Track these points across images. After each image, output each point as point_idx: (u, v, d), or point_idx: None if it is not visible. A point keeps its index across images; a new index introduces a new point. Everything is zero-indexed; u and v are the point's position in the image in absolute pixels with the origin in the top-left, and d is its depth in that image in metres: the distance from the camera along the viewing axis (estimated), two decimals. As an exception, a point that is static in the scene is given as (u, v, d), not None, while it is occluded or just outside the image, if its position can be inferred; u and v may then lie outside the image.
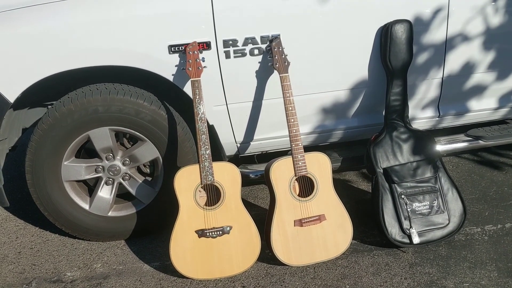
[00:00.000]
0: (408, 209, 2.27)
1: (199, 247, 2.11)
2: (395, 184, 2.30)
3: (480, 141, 2.66)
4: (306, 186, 2.24)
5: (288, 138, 2.21)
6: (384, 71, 2.39)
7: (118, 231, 2.47)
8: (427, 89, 2.52)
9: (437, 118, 2.62)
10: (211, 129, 2.36)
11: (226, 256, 2.13)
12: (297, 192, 2.25)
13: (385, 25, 2.32)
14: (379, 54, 2.37)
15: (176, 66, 2.21)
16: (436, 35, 2.40)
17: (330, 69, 2.36)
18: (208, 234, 2.11)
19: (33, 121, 2.69)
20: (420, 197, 2.30)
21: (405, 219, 2.26)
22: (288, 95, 2.20)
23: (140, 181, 2.43)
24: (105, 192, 2.42)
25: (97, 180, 2.42)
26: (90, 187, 2.51)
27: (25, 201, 2.95)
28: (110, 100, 2.22)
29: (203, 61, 2.19)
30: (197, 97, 2.15)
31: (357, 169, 3.04)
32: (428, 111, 2.60)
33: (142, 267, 2.29)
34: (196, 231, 2.11)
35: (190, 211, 2.12)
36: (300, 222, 2.16)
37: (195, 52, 2.15)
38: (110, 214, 2.43)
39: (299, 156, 2.18)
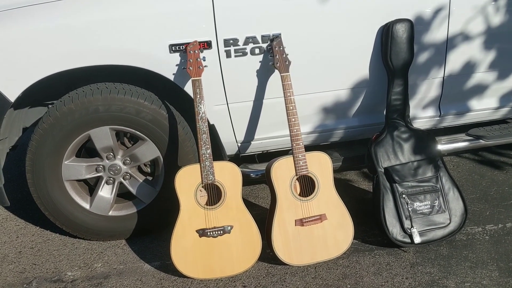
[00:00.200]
0: (409, 209, 2.27)
1: (200, 246, 2.11)
2: (396, 184, 2.30)
3: (481, 140, 2.66)
4: (307, 186, 2.24)
5: (289, 138, 2.21)
6: (385, 70, 2.39)
7: (119, 230, 2.46)
8: (428, 88, 2.52)
9: (438, 118, 2.62)
10: (212, 129, 2.36)
11: (227, 256, 2.12)
12: (298, 192, 2.25)
13: (386, 24, 2.31)
14: (380, 54, 2.37)
15: (176, 65, 2.21)
16: (437, 34, 2.39)
17: (331, 69, 2.36)
18: (209, 233, 2.11)
19: (33, 121, 2.69)
20: (421, 196, 2.30)
21: (406, 218, 2.26)
22: (289, 94, 2.19)
23: (141, 181, 2.42)
24: (105, 192, 2.41)
25: (98, 180, 2.42)
26: (91, 186, 2.50)
27: (26, 200, 2.95)
28: (110, 99, 2.22)
29: (204, 60, 2.18)
30: (198, 96, 2.15)
31: (358, 168, 3.03)
32: (429, 110, 2.59)
33: (143, 267, 2.29)
34: (197, 231, 2.11)
35: (191, 210, 2.12)
36: (301, 222, 2.16)
37: (196, 51, 2.15)
38: (110, 213, 2.43)
39: (300, 156, 2.18)
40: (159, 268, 2.26)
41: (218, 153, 2.44)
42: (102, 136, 2.29)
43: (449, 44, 2.42)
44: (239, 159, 2.58)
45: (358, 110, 2.49)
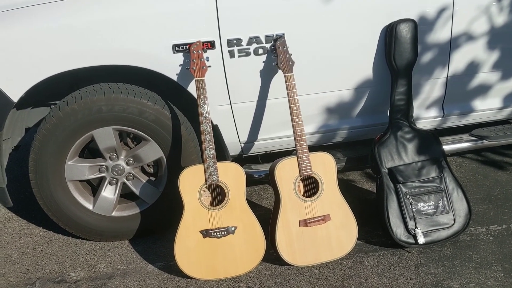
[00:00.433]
0: (413, 209, 2.26)
1: (203, 247, 2.11)
2: (400, 184, 2.29)
3: (484, 141, 2.65)
4: (310, 186, 2.23)
5: (293, 138, 2.20)
6: (389, 70, 2.38)
7: (122, 231, 2.46)
8: (432, 88, 2.51)
9: (441, 118, 2.61)
10: (215, 129, 2.35)
11: (231, 256, 2.12)
12: (302, 192, 2.25)
13: (390, 24, 2.31)
14: (383, 54, 2.36)
15: (180, 65, 2.20)
16: (440, 34, 2.39)
17: (335, 69, 2.35)
18: (212, 234, 2.11)
19: (36, 121, 2.69)
20: (425, 197, 2.29)
21: (410, 219, 2.25)
22: (292, 94, 2.19)
23: (144, 181, 2.42)
24: (108, 192, 2.41)
25: (101, 180, 2.42)
26: (94, 187, 2.50)
27: (28, 201, 2.94)
28: (113, 99, 2.22)
29: (207, 60, 2.18)
30: (202, 96, 2.14)
31: (361, 169, 3.03)
32: (433, 110, 2.59)
33: (146, 268, 2.28)
34: (201, 231, 2.11)
35: (194, 211, 2.11)
36: (305, 222, 2.15)
37: (199, 51, 2.15)
38: (113, 214, 2.43)
39: (304, 156, 2.17)
40: (163, 268, 2.26)
41: (221, 153, 2.44)
42: (105, 137, 2.28)
43: (452, 44, 2.42)
44: (242, 159, 2.57)
45: (362, 110, 2.48)
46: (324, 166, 2.21)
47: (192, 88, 2.26)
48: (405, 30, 2.29)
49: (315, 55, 2.31)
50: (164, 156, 2.34)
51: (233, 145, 2.47)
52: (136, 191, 2.42)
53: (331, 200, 2.20)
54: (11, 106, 2.19)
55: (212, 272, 2.12)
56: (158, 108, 2.26)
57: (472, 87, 2.56)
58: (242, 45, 2.22)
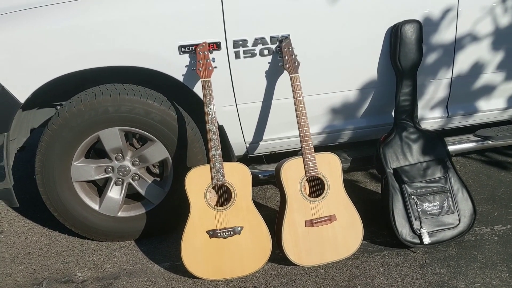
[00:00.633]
0: (419, 209, 2.27)
1: (210, 247, 2.11)
2: (405, 185, 2.30)
3: (488, 141, 2.66)
4: (316, 187, 2.24)
5: (298, 138, 2.21)
6: (394, 71, 2.39)
7: (128, 231, 2.47)
8: (436, 89, 2.52)
9: (445, 118, 2.62)
10: (220, 129, 2.35)
11: (237, 257, 2.13)
12: (308, 193, 2.25)
13: (395, 25, 2.32)
14: (388, 54, 2.37)
15: (186, 66, 2.21)
16: (445, 35, 2.40)
17: (340, 69, 2.36)
18: (219, 234, 2.11)
19: (41, 122, 2.69)
20: (430, 197, 2.30)
21: (415, 219, 2.26)
22: (298, 95, 2.20)
23: (150, 182, 2.43)
24: (114, 193, 2.42)
25: (107, 181, 2.43)
26: (99, 187, 2.51)
27: (33, 201, 2.95)
28: (120, 100, 2.22)
29: (213, 61, 2.19)
30: (208, 97, 2.15)
31: (365, 169, 3.04)
32: (437, 111, 2.60)
33: (152, 268, 2.29)
34: (207, 232, 2.11)
35: (201, 211, 2.12)
36: (311, 223, 2.16)
37: (205, 52, 2.15)
38: (119, 214, 2.43)
39: (309, 157, 2.18)
40: (169, 269, 2.27)
41: (226, 153, 2.45)
42: (111, 137, 2.29)
43: (457, 45, 2.42)
44: (247, 159, 2.58)
45: (367, 111, 2.49)
46: (330, 166, 2.22)
47: (197, 89, 2.27)
48: (410, 31, 2.30)
49: (321, 56, 2.32)
50: (169, 156, 2.35)
51: (238, 146, 2.48)
52: (142, 191, 2.43)
53: (337, 200, 2.21)
54: (18, 107, 2.19)
55: (218, 272, 2.12)
56: (164, 109, 2.27)
57: (476, 87, 2.57)
58: (247, 46, 2.22)
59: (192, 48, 2.18)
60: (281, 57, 2.21)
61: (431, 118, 2.60)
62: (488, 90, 2.59)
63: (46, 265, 2.37)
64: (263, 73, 2.29)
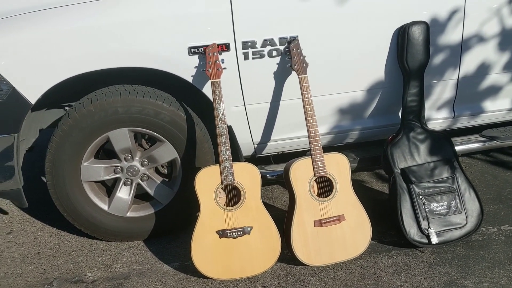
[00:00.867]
0: (426, 209, 2.28)
1: (220, 247, 2.13)
2: (413, 185, 2.31)
3: (495, 141, 2.67)
4: (324, 187, 2.25)
5: (306, 139, 2.22)
6: (401, 72, 2.40)
7: (137, 231, 2.48)
8: (443, 89, 2.54)
9: (452, 119, 2.63)
10: (229, 130, 2.37)
11: (247, 256, 2.14)
12: (316, 193, 2.27)
13: (402, 26, 2.33)
14: (395, 55, 2.38)
15: (195, 67, 2.22)
16: (452, 36, 2.41)
17: (348, 70, 2.37)
18: (229, 234, 2.13)
19: (49, 122, 2.71)
20: (438, 197, 2.31)
21: (423, 219, 2.27)
22: (307, 96, 2.21)
23: (158, 182, 2.44)
24: (123, 193, 2.43)
25: (116, 181, 2.44)
26: (108, 187, 2.52)
27: (42, 201, 2.95)
28: (130, 101, 2.24)
29: (223, 62, 2.20)
30: (217, 98, 2.16)
31: (373, 169, 3.05)
32: (443, 111, 2.61)
33: (162, 268, 2.30)
34: (217, 232, 2.13)
35: (211, 211, 2.13)
36: (320, 223, 2.17)
37: (215, 53, 2.17)
38: (128, 214, 2.45)
39: (318, 157, 2.20)
40: (179, 268, 2.28)
41: (235, 154, 2.46)
42: (121, 138, 2.31)
43: (464, 46, 2.44)
44: (255, 160, 2.59)
45: (374, 111, 2.50)
46: (338, 166, 2.23)
47: (206, 90, 2.28)
48: (417, 32, 2.31)
49: (329, 57, 2.33)
50: (178, 157, 2.37)
51: (247, 146, 2.49)
52: (151, 191, 2.44)
53: (346, 200, 2.22)
54: (28, 108, 2.21)
55: (228, 272, 2.14)
56: (173, 110, 2.28)
57: (483, 88, 2.58)
58: (256, 47, 2.24)
59: (201, 50, 2.19)
60: (290, 58, 2.22)
61: (437, 118, 2.61)
62: (494, 90, 2.60)
63: (56, 265, 2.38)
64: (271, 74, 2.31)
